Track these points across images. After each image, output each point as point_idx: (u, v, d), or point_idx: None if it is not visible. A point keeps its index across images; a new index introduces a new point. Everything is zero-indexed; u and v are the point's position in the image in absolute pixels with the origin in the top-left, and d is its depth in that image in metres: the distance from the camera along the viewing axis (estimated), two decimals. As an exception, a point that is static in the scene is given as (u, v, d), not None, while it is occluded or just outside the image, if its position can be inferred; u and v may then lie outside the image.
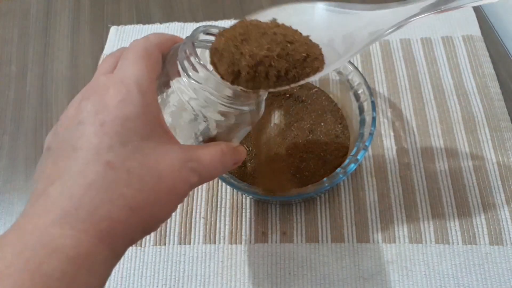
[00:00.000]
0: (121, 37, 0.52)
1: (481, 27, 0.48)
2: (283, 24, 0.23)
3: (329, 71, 0.24)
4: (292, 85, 0.22)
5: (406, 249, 0.35)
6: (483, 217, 0.36)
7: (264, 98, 0.25)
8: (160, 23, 0.52)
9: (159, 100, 0.22)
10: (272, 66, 0.21)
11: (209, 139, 0.24)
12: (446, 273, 0.34)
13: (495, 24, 0.49)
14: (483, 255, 0.35)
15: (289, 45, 0.21)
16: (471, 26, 0.48)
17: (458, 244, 0.35)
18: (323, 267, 0.35)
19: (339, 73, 0.39)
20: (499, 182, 0.38)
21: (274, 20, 0.23)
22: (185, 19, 0.53)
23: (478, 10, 0.50)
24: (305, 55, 0.22)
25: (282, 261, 0.36)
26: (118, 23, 0.53)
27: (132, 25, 0.53)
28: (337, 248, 0.36)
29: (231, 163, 0.24)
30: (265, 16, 0.24)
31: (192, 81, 0.22)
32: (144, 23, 0.53)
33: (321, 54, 0.23)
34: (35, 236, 0.17)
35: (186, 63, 0.22)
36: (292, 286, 0.35)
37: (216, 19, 0.52)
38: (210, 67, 0.22)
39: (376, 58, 0.46)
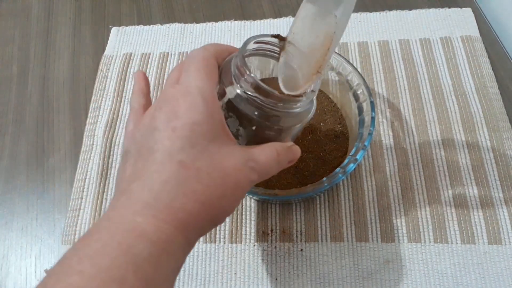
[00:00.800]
0: (122, 38, 0.52)
1: (479, 28, 0.48)
2: None
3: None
4: None
5: (405, 248, 0.35)
6: (481, 216, 0.36)
7: (313, 98, 0.28)
8: (161, 24, 0.53)
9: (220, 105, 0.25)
10: None
11: (267, 141, 0.26)
12: (445, 272, 0.34)
13: (493, 25, 0.49)
14: (481, 254, 0.35)
15: None
16: (469, 26, 0.48)
17: (456, 243, 0.35)
18: (323, 266, 0.35)
19: (339, 73, 0.40)
20: (498, 182, 0.38)
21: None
22: (185, 20, 0.53)
23: (476, 11, 0.50)
24: None
25: (282, 260, 0.36)
26: (119, 24, 0.54)
27: (133, 26, 0.53)
28: (337, 247, 0.36)
29: (285, 162, 0.26)
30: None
31: (244, 90, 0.24)
32: (144, 24, 0.53)
33: None
34: (124, 223, 0.20)
35: (239, 76, 0.24)
36: (292, 285, 0.35)
37: (216, 20, 0.52)
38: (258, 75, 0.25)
39: (375, 58, 0.47)
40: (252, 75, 0.24)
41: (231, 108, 0.25)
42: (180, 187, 0.21)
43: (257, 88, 0.24)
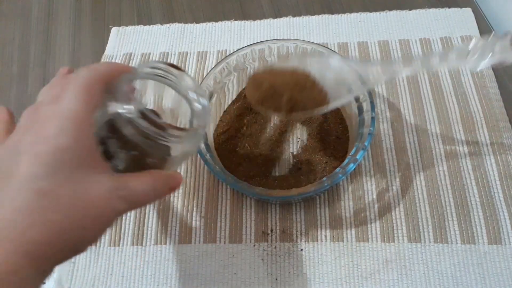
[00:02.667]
0: (122, 38, 0.52)
1: (479, 28, 0.48)
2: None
3: (329, 109, 0.32)
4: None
5: (405, 248, 0.35)
6: (481, 216, 0.36)
7: (199, 133, 0.27)
8: (161, 24, 0.53)
9: (98, 126, 0.23)
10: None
11: (147, 167, 0.25)
12: (445, 272, 0.34)
13: (493, 25, 0.49)
14: (481, 254, 0.35)
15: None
16: (469, 26, 0.48)
17: (456, 243, 0.35)
18: (323, 266, 0.35)
19: (339, 73, 0.40)
20: (498, 182, 0.38)
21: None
22: (185, 20, 0.53)
23: (476, 11, 0.50)
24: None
25: (282, 260, 0.36)
26: (119, 24, 0.54)
27: (133, 26, 0.53)
28: (337, 247, 0.36)
29: (165, 190, 0.25)
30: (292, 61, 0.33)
31: (128, 112, 0.23)
32: (145, 24, 0.53)
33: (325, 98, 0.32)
34: None
35: (124, 97, 0.23)
36: (292, 285, 0.35)
37: (216, 20, 0.52)
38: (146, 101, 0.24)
39: (375, 58, 0.47)
40: (138, 97, 0.23)
41: (112, 128, 0.23)
42: (35, 216, 0.20)
43: (143, 114, 0.23)
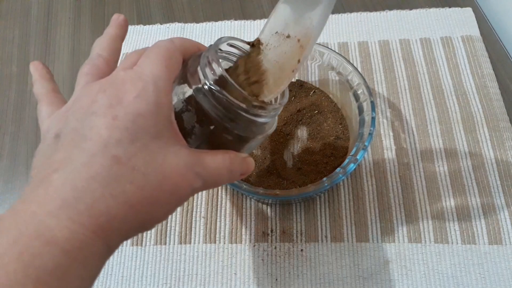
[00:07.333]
0: (122, 37, 0.52)
1: (480, 28, 0.48)
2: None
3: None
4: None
5: (406, 249, 0.35)
6: (482, 216, 0.36)
7: (278, 113, 0.26)
8: (161, 23, 0.53)
9: (174, 101, 0.23)
10: None
11: (221, 147, 0.24)
12: (445, 272, 0.34)
13: (494, 25, 0.49)
14: (482, 254, 0.35)
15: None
16: (470, 26, 0.48)
17: (457, 243, 0.35)
18: (323, 266, 0.35)
19: (339, 73, 0.39)
20: (498, 182, 0.38)
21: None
22: (185, 20, 0.53)
23: (477, 11, 0.50)
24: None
25: (282, 260, 0.36)
26: (119, 23, 0.54)
27: (133, 26, 0.53)
28: (337, 247, 0.36)
29: (238, 173, 0.24)
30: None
31: (209, 84, 0.22)
32: (144, 24, 0.53)
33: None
34: (32, 225, 0.17)
35: (207, 69, 0.22)
36: (292, 285, 0.35)
37: (216, 20, 0.52)
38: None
39: (375, 58, 0.46)
40: (221, 69, 0.22)
41: (191, 102, 0.23)
42: (108, 186, 0.18)
43: (224, 84, 0.22)
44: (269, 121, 0.25)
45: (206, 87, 0.22)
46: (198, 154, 0.21)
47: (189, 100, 0.23)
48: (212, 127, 0.23)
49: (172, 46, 0.22)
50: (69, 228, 0.17)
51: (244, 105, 0.22)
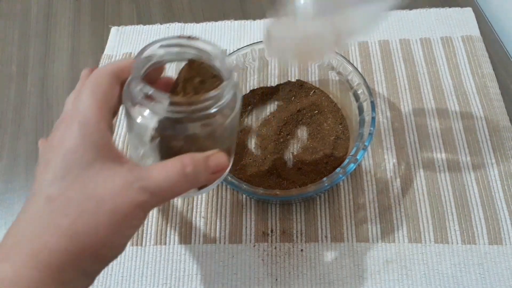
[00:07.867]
0: (122, 37, 0.52)
1: (480, 28, 0.48)
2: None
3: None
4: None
5: (406, 249, 0.35)
6: (482, 216, 0.36)
7: (234, 83, 0.23)
8: (161, 23, 0.53)
9: (127, 122, 0.23)
10: None
11: (179, 152, 0.23)
12: (445, 272, 0.34)
13: (494, 25, 0.49)
14: (482, 254, 0.35)
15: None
16: (470, 26, 0.48)
17: (457, 243, 0.35)
18: (323, 266, 0.35)
19: (339, 73, 0.39)
20: (498, 182, 0.38)
21: None
22: (185, 20, 0.53)
23: (477, 11, 0.50)
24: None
25: (282, 260, 0.36)
26: (119, 23, 0.54)
27: (133, 26, 0.53)
28: (337, 247, 0.36)
29: (204, 174, 0.23)
30: None
31: (142, 109, 0.22)
32: (144, 24, 0.53)
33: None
34: None
35: (134, 92, 0.22)
36: (292, 285, 0.35)
37: (216, 20, 0.52)
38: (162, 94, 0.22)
39: (375, 58, 0.46)
40: (149, 91, 0.21)
41: (159, 126, 0.22)
42: (44, 224, 0.19)
43: (149, 97, 0.22)
44: (217, 110, 0.22)
45: (152, 118, 0.22)
46: (140, 169, 0.22)
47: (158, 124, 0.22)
48: (157, 140, 0.23)
49: (103, 70, 0.23)
50: (13, 270, 0.18)
51: (178, 107, 0.21)
